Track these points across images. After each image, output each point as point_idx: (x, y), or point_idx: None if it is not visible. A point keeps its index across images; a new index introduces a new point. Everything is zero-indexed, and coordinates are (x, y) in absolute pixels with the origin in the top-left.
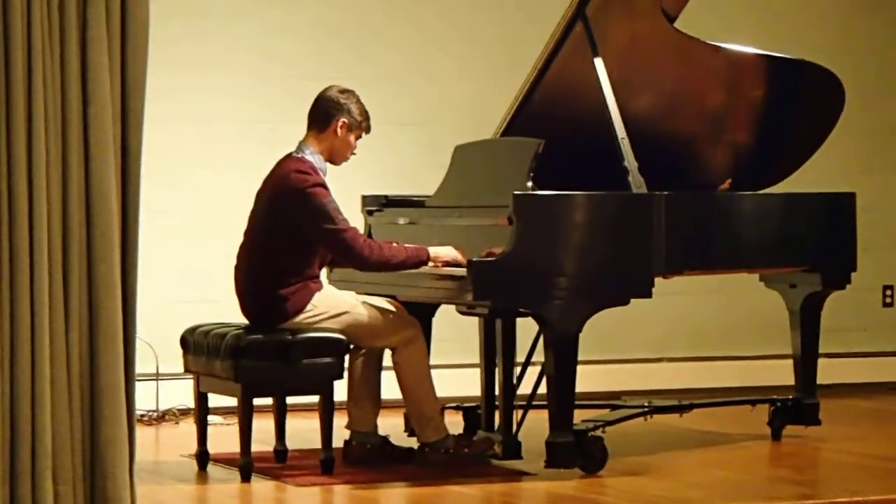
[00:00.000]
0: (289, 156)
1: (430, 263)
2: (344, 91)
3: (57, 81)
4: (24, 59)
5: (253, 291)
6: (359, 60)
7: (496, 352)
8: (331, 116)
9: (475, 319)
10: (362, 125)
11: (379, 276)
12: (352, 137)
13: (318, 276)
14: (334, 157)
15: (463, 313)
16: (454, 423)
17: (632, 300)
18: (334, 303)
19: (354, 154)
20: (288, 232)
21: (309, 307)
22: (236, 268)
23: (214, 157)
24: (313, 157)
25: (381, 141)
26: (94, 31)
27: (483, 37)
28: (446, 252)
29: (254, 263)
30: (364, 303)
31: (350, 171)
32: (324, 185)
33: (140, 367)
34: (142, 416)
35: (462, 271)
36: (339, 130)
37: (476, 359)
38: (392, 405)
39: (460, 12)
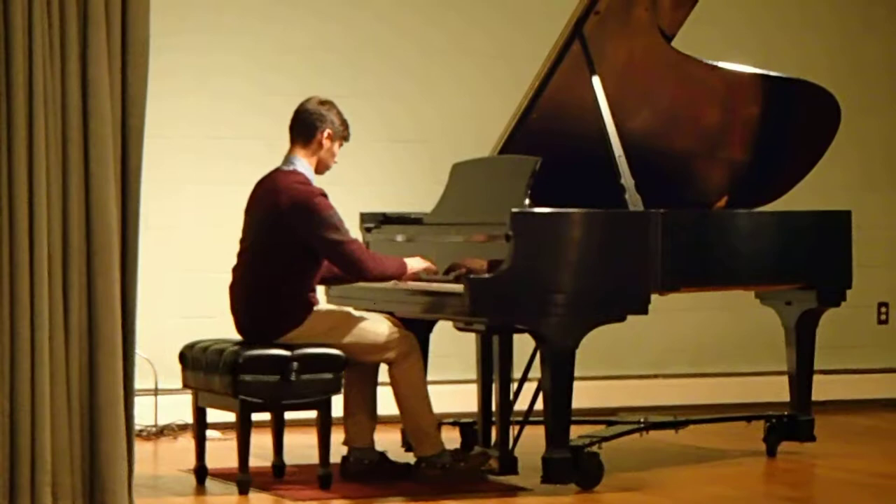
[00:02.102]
0: (279, 170)
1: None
2: (323, 102)
3: (58, 98)
4: (26, 75)
5: (251, 307)
6: (357, 77)
7: (493, 368)
8: (315, 128)
9: (472, 335)
10: (344, 133)
11: (377, 292)
12: (335, 146)
13: (315, 292)
14: (320, 168)
15: (460, 329)
16: (451, 439)
17: (628, 317)
18: (332, 318)
19: (336, 163)
20: (290, 245)
21: (307, 322)
22: (232, 285)
23: (214, 174)
24: (304, 168)
25: (379, 158)
26: (95, 48)
27: (482, 53)
28: (419, 263)
29: (252, 279)
30: (361, 318)
31: (348, 188)
32: (326, 196)
33: (139, 382)
34: (140, 431)
35: (459, 287)
36: (324, 141)
37: (473, 374)
38: (389, 420)
39: (460, 29)
